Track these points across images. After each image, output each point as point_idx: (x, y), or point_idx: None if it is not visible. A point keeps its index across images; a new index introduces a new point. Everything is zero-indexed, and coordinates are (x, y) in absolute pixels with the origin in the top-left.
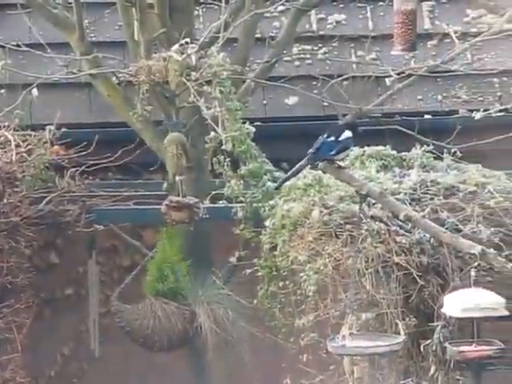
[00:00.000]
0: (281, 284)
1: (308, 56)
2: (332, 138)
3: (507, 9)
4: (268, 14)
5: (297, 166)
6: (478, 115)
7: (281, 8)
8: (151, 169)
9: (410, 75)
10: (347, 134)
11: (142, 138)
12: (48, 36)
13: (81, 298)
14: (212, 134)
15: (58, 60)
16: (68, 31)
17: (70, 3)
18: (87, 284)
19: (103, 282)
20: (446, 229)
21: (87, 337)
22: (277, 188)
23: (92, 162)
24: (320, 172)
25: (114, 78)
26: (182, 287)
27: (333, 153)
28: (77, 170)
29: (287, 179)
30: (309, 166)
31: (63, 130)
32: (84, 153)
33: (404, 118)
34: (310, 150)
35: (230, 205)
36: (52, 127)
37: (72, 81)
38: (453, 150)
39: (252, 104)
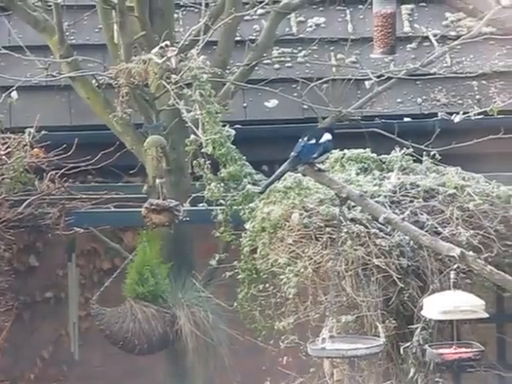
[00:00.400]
0: (261, 287)
1: (288, 59)
2: (313, 141)
3: (485, 12)
4: (248, 17)
5: (279, 169)
6: (457, 118)
7: (260, 11)
8: (131, 172)
9: (389, 78)
10: (327, 136)
11: (121, 141)
12: (27, 39)
13: (60, 301)
14: (192, 136)
15: (37, 63)
16: (47, 34)
17: (50, 6)
18: (67, 287)
19: (83, 285)
20: (426, 231)
21: (67, 340)
22: (261, 192)
23: (72, 165)
24: (300, 175)
25: (93, 81)
26: (162, 290)
27: (315, 156)
28: (56, 173)
29: (271, 183)
30: (291, 169)
31: (43, 132)
32: (64, 155)
33: (383, 120)
34: (292, 153)
35: (210, 207)
36: (32, 130)
37: (52, 83)
38: (432, 153)
39: (232, 107)
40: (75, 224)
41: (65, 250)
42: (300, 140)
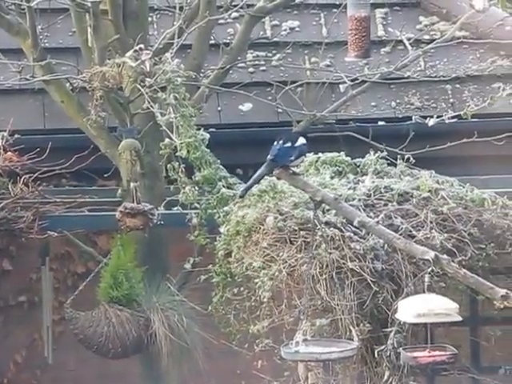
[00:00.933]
0: (235, 290)
1: (262, 62)
2: (289, 144)
3: (459, 16)
4: (222, 21)
5: (257, 173)
6: (431, 122)
7: (235, 14)
8: (105, 175)
9: (363, 82)
10: (302, 140)
11: (96, 145)
12: (1, 42)
13: (34, 305)
14: (166, 140)
15: (11, 66)
16: (21, 37)
17: (23, 9)
18: (41, 291)
19: (57, 289)
20: (400, 234)
21: (40, 344)
22: (241, 197)
23: (46, 169)
24: (274, 178)
25: (67, 85)
26: (137, 294)
27: (291, 158)
28: (30, 177)
29: (250, 187)
30: (268, 172)
31: (16, 136)
32: (37, 159)
33: (358, 124)
34: (269, 157)
35: (184, 211)
36: (5, 133)
37: (25, 87)
38: (406, 157)
39: (206, 110)
40: (49, 228)
41: (38, 254)
42: (275, 143)
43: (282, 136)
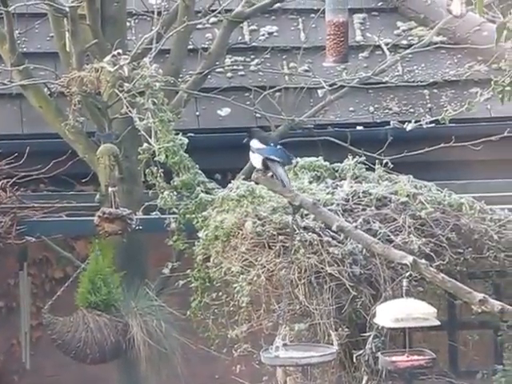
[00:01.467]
0: (214, 295)
1: (240, 67)
2: (279, 146)
3: (436, 21)
4: (200, 26)
5: (280, 173)
6: (409, 126)
7: (213, 19)
8: (83, 180)
9: (341, 87)
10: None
11: (74, 150)
12: None
13: (12, 310)
14: (145, 145)
15: None
16: None
17: (1, 14)
18: (18, 296)
19: (35, 294)
20: (378, 239)
21: (18, 349)
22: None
23: (23, 174)
24: (253, 183)
25: (45, 89)
26: (115, 299)
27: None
28: (8, 182)
29: (287, 179)
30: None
31: None
32: (15, 164)
33: (336, 129)
34: (278, 159)
35: (163, 216)
36: None
37: (3, 92)
38: (384, 161)
39: (185, 115)
40: (27, 233)
41: (16, 259)
42: (260, 142)
43: (260, 135)
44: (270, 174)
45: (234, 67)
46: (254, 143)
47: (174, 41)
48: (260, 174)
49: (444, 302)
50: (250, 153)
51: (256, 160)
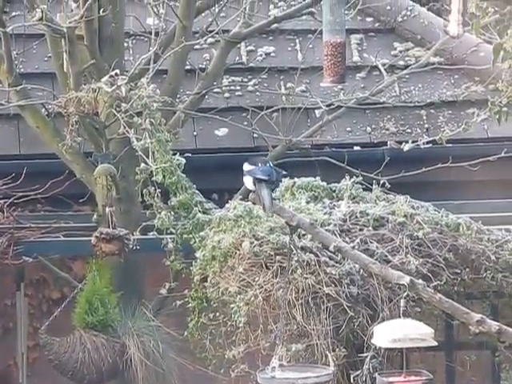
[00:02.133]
0: (211, 315)
1: (238, 88)
2: (269, 164)
3: (433, 42)
4: (198, 46)
5: (264, 195)
6: (406, 147)
7: (210, 40)
8: (81, 200)
9: (339, 107)
10: (272, 164)
11: (71, 170)
12: None
13: (9, 330)
14: (142, 165)
15: None
16: None
17: None
18: (15, 317)
19: (32, 315)
20: (376, 260)
21: (15, 370)
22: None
23: (21, 194)
24: (250, 203)
25: (42, 110)
26: (112, 319)
27: (279, 177)
28: (5, 202)
29: (273, 203)
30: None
31: None
32: (13, 184)
33: (333, 149)
34: (264, 177)
35: (160, 236)
36: None
37: (0, 112)
38: (382, 182)
39: (182, 135)
40: (24, 253)
41: (13, 280)
42: (253, 166)
43: (252, 159)
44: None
45: (232, 87)
46: (245, 166)
47: (171, 61)
48: (256, 195)
49: (441, 322)
50: (244, 177)
51: (248, 182)
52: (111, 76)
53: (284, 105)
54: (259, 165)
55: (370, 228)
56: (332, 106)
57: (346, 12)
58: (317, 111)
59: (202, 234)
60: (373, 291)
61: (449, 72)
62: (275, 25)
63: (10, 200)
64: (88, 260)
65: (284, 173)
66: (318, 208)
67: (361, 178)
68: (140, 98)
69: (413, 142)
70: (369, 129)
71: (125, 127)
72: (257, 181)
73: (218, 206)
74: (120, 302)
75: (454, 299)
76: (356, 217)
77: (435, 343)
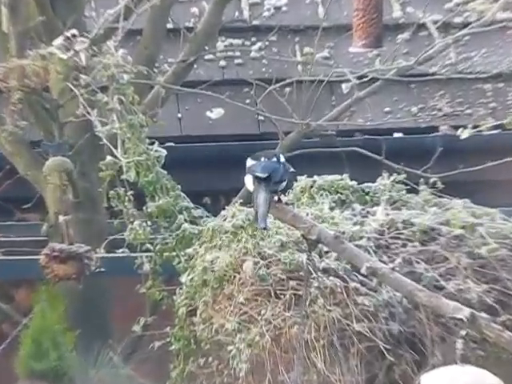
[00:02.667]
0: (202, 361)
1: (238, 54)
2: (274, 159)
3: None
4: None
5: (259, 199)
6: (464, 133)
7: None
8: (25, 206)
9: (374, 80)
10: (283, 157)
11: (13, 165)
12: None
13: None
14: (108, 158)
15: None
16: None
17: None
18: None
19: None
20: (424, 285)
21: None
22: (265, 228)
23: None
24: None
25: None
26: (68, 366)
27: (284, 176)
28: None
29: (266, 217)
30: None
31: None
32: None
33: (366, 136)
34: (262, 175)
35: (132, 254)
36: None
37: None
38: (432, 180)
39: (163, 118)
40: None
41: None
42: (255, 161)
43: (258, 153)
44: (275, 197)
45: (230, 53)
46: (248, 162)
47: (147, 18)
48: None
49: None
50: (245, 176)
51: (249, 182)
52: (67, 38)
53: (300, 77)
54: (262, 159)
55: (416, 243)
56: (365, 79)
57: None
58: (344, 85)
59: (189, 251)
60: (420, 328)
61: None
62: None
63: None
64: (35, 286)
65: (292, 170)
66: (345, 216)
67: (404, 176)
68: (106, 68)
69: (474, 127)
70: (414, 109)
71: (85, 107)
72: (256, 180)
73: (210, 213)
74: (79, 342)
75: None
76: (397, 228)
77: None
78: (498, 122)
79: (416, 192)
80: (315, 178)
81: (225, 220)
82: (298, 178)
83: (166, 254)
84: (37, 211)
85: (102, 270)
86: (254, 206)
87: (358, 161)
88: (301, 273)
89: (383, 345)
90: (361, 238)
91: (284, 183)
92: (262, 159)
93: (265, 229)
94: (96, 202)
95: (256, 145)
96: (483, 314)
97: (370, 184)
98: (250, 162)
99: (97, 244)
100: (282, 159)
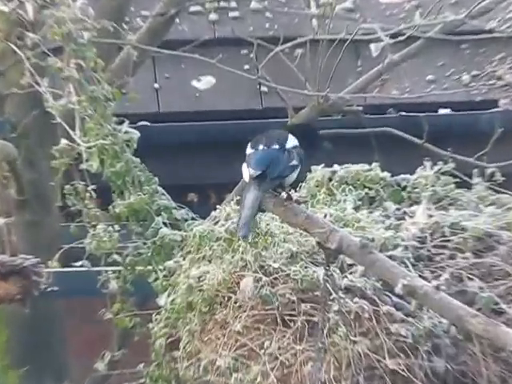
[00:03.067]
0: None
1: (233, 5)
2: (275, 146)
3: None
4: None
5: (247, 201)
6: None
7: None
8: None
9: (412, 39)
10: (293, 140)
11: None
12: None
13: None
14: (63, 141)
15: None
16: None
17: None
18: None
19: None
20: (479, 310)
21: None
22: (245, 237)
23: None
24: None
25: None
26: None
27: (295, 163)
28: None
29: (250, 223)
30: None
31: None
32: None
33: (402, 113)
34: (253, 172)
35: (95, 268)
36: None
37: None
38: (490, 171)
39: (135, 89)
40: None
41: None
42: (252, 149)
43: (259, 136)
44: (283, 193)
45: (222, 4)
46: (248, 149)
47: None
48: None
49: None
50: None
51: (245, 173)
52: None
53: (315, 35)
54: (260, 147)
55: (469, 254)
56: (400, 38)
57: None
58: (373, 46)
59: (169, 263)
60: (473, 365)
61: None
62: None
63: None
64: None
65: (294, 163)
66: (375, 218)
67: (452, 165)
68: (59, 23)
69: None
70: (466, 77)
71: (32, 75)
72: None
73: (197, 214)
74: (24, 382)
75: None
76: (443, 234)
77: None
78: None
79: (468, 187)
80: (335, 167)
81: (216, 223)
82: (313, 168)
83: (138, 267)
84: None
85: (55, 289)
86: (240, 208)
87: (392, 145)
88: (316, 293)
89: None
90: (395, 246)
91: (289, 178)
92: (261, 147)
93: (244, 238)
94: (47, 200)
95: (257, 124)
96: None
97: (407, 176)
98: (249, 150)
99: (48, 255)
100: (291, 143)
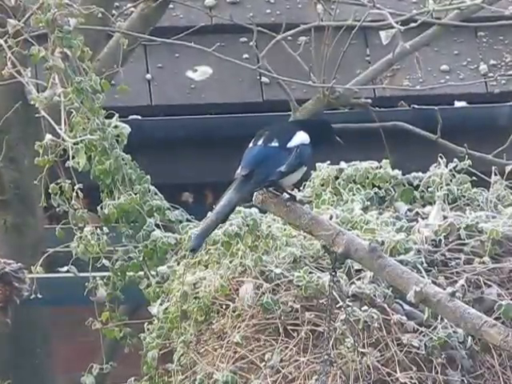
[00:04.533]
0: None
1: None
2: (275, 144)
3: None
4: None
5: (221, 203)
6: None
7: None
8: None
9: (425, 25)
10: (301, 136)
11: None
12: None
13: None
14: (48, 137)
15: None
16: None
17: None
18: None
19: None
20: (497, 319)
21: None
22: (193, 250)
23: None
24: (255, 210)
25: None
26: None
27: (282, 169)
28: None
29: (208, 232)
30: (242, 200)
31: None
32: None
33: (415, 106)
34: (241, 170)
35: (81, 274)
36: None
37: None
38: (508, 168)
39: (125, 80)
40: None
41: None
42: (251, 144)
43: (263, 130)
44: (284, 194)
45: None
46: (251, 143)
47: None
48: (267, 194)
49: None
50: None
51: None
52: None
53: (320, 21)
54: (259, 142)
55: (486, 258)
56: (412, 25)
57: None
58: (383, 33)
59: (162, 269)
60: (491, 379)
61: None
62: None
63: None
64: None
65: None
66: (385, 220)
67: (468, 163)
68: (44, 10)
69: None
70: (483, 67)
71: (14, 65)
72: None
73: (192, 215)
74: None
75: None
76: (459, 237)
77: None
78: None
79: (486, 186)
80: (342, 165)
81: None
82: (318, 165)
83: (129, 273)
84: None
85: (39, 296)
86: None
87: (404, 141)
88: (322, 301)
89: None
90: (407, 250)
91: (292, 177)
92: (259, 143)
93: (192, 251)
94: (30, 201)
95: (257, 118)
96: None
97: (419, 174)
98: (250, 144)
99: (31, 259)
100: (297, 140)
